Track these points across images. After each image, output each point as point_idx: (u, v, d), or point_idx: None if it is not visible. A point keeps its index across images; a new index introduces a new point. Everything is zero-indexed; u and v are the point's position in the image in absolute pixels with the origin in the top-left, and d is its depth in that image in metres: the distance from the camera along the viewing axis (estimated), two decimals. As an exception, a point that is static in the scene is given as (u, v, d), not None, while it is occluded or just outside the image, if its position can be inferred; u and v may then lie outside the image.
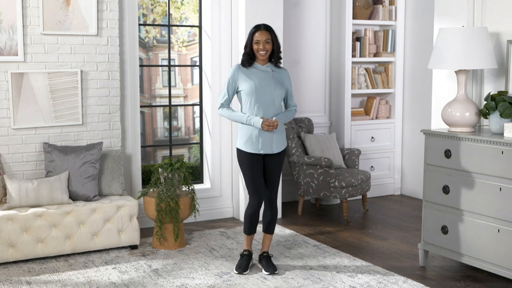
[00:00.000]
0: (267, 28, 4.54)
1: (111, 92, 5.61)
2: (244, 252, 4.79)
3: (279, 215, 6.38)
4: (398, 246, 5.45)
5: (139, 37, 6.02)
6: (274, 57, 4.61)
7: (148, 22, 6.46)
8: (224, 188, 6.35)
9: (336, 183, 6.18)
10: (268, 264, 4.74)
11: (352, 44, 7.04)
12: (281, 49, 4.71)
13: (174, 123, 6.67)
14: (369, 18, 7.22)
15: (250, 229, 4.74)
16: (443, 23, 5.27)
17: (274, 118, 4.56)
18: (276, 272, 4.69)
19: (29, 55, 5.26)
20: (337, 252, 5.24)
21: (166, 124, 6.63)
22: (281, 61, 4.68)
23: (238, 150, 4.65)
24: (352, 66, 7.10)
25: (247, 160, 4.61)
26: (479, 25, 4.97)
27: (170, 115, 6.42)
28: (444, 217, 4.71)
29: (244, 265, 4.73)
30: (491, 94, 4.70)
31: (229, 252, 5.22)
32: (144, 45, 6.44)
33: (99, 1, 5.47)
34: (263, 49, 4.52)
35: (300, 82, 7.09)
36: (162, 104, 6.59)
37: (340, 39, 7.05)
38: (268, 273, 4.68)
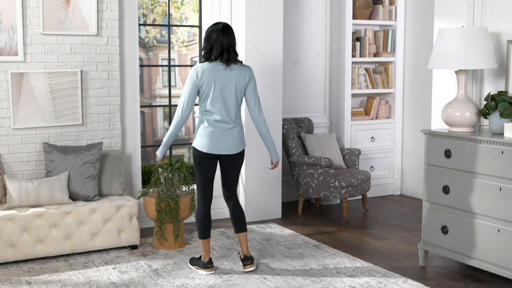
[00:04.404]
0: None
1: (111, 92, 5.61)
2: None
3: (279, 215, 6.39)
4: (398, 246, 5.45)
5: (139, 37, 6.02)
6: None
7: (148, 22, 6.46)
8: (224, 188, 6.35)
9: (336, 183, 6.18)
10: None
11: (352, 44, 7.04)
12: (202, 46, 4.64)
13: (174, 123, 6.67)
14: (369, 18, 7.22)
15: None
16: (443, 23, 5.27)
17: None
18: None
19: (29, 55, 5.26)
20: (337, 252, 5.24)
21: (166, 124, 6.63)
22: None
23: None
24: (352, 66, 7.10)
25: None
26: (479, 25, 4.97)
27: (170, 115, 6.43)
28: (444, 217, 4.71)
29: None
30: (491, 94, 4.70)
31: (229, 252, 5.22)
32: (144, 45, 6.44)
33: (99, 1, 5.47)
34: None
35: (300, 82, 7.09)
36: (162, 104, 6.59)
37: (340, 39, 7.05)
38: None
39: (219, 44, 4.47)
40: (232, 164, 4.68)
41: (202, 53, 4.58)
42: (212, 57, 4.51)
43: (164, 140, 4.67)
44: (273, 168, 4.81)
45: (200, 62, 6.33)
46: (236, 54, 4.53)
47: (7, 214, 4.80)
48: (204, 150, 4.56)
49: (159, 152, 4.72)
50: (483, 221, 4.42)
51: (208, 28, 4.55)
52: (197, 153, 4.61)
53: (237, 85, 4.50)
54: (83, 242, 5.04)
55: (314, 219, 6.37)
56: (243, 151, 4.69)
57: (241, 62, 4.57)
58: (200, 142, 4.57)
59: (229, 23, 6.19)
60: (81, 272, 4.71)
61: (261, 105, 4.62)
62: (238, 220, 4.75)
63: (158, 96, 6.65)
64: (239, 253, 4.86)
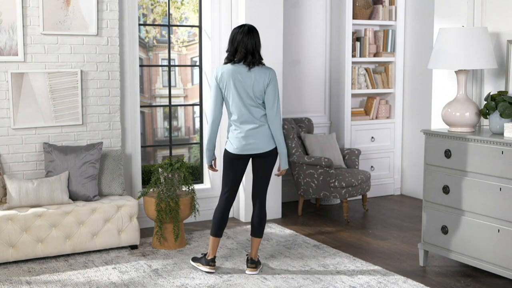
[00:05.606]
0: None
1: (111, 92, 5.61)
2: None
3: (279, 215, 6.39)
4: (398, 246, 5.45)
5: (139, 37, 6.02)
6: None
7: (148, 22, 6.46)
8: (224, 188, 6.34)
9: (336, 183, 6.18)
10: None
11: (352, 44, 7.04)
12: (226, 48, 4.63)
13: (174, 123, 6.67)
14: (369, 18, 7.22)
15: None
16: (443, 23, 5.27)
17: None
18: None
19: (29, 55, 5.26)
20: (337, 252, 5.24)
21: (166, 124, 6.62)
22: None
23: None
24: (352, 66, 7.10)
25: None
26: (479, 25, 4.97)
27: (170, 115, 6.42)
28: (444, 217, 4.71)
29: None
30: (491, 94, 4.71)
31: (229, 252, 5.22)
32: (144, 45, 6.44)
33: (99, 1, 5.47)
34: None
35: (300, 82, 7.09)
36: (162, 104, 6.59)
37: (340, 39, 7.05)
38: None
39: (244, 46, 4.44)
40: (261, 163, 4.62)
41: (226, 54, 4.55)
42: (236, 59, 4.48)
43: (205, 146, 4.66)
44: (278, 174, 4.75)
45: (200, 60, 6.35)
46: (260, 57, 4.51)
47: (7, 214, 4.80)
48: (232, 152, 4.58)
49: (205, 161, 4.71)
50: (483, 221, 4.42)
51: (233, 30, 4.52)
52: (225, 154, 4.63)
53: (254, 87, 4.45)
54: (83, 242, 5.04)
55: (314, 219, 6.37)
56: (274, 149, 4.60)
57: (263, 64, 4.54)
58: (228, 144, 4.61)
59: (229, 23, 6.21)
60: (81, 272, 4.71)
61: (279, 108, 4.54)
62: (257, 225, 4.72)
63: (158, 96, 6.64)
64: (247, 254, 4.87)
